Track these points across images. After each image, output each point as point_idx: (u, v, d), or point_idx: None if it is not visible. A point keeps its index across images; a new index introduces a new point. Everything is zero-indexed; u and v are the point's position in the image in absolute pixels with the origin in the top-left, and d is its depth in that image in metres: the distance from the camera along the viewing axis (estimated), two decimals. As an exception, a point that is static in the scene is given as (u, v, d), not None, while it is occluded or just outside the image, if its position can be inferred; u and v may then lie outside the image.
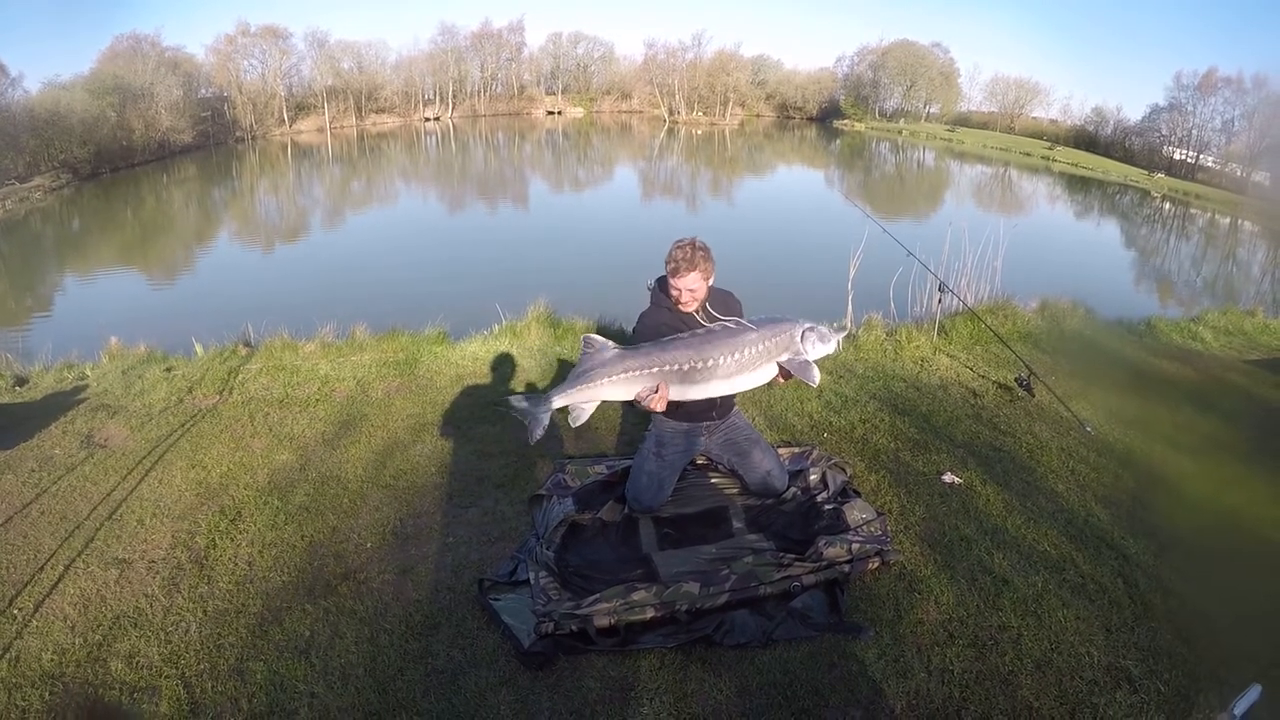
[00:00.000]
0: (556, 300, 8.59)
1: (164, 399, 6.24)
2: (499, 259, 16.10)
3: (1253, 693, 1.24)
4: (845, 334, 3.95)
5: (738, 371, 3.79)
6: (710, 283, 4.05)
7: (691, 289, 3.94)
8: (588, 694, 3.16)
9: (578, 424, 3.95)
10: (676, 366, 3.76)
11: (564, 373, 6.65)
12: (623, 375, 3.81)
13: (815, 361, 3.83)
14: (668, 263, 3.93)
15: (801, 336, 3.81)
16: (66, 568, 4.00)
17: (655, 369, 3.77)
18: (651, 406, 3.81)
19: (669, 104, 74.29)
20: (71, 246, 21.86)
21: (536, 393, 4.04)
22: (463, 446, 5.24)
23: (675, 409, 4.01)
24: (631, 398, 3.86)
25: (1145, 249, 23.86)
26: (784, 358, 3.80)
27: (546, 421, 3.89)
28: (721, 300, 4.11)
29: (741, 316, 4.09)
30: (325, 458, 5.16)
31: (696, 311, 4.05)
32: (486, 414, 5.80)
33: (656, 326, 4.04)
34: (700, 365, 3.75)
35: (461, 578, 3.85)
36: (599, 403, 3.96)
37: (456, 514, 4.45)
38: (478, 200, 29.55)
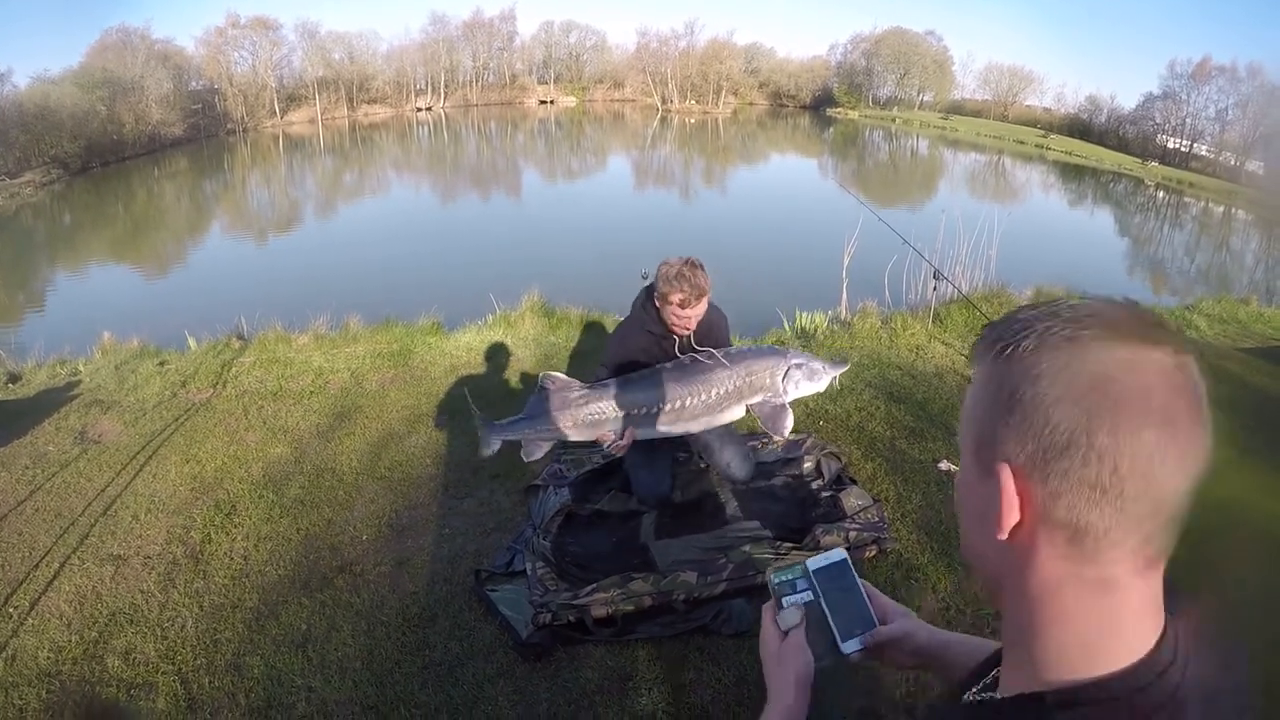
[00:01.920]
0: (550, 290, 8.57)
1: (157, 393, 6.22)
2: (492, 249, 16.05)
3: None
4: (845, 367, 3.81)
5: (705, 413, 3.70)
6: None
7: (696, 318, 3.79)
8: (586, 684, 3.16)
9: (531, 459, 3.90)
10: (643, 410, 3.68)
11: (558, 363, 6.64)
12: (586, 418, 3.73)
13: (795, 401, 3.69)
14: (670, 290, 3.67)
15: (785, 374, 3.67)
16: (62, 565, 3.99)
17: (621, 414, 3.69)
18: (616, 452, 3.75)
19: (662, 93, 74.14)
20: (63, 242, 21.75)
21: (490, 421, 3.93)
22: (458, 437, 5.23)
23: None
24: (594, 438, 3.79)
25: (1139, 237, 23.88)
26: (756, 399, 3.68)
27: (497, 446, 3.87)
28: (708, 322, 3.92)
29: (727, 339, 4.03)
30: (320, 450, 5.15)
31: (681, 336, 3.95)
32: (481, 404, 5.78)
33: (633, 351, 3.92)
34: (667, 407, 3.66)
35: (458, 569, 3.85)
36: (556, 442, 3.90)
37: (452, 505, 4.45)
38: (470, 190, 29.48)
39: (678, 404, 3.66)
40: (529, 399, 3.91)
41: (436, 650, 3.33)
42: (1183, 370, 0.69)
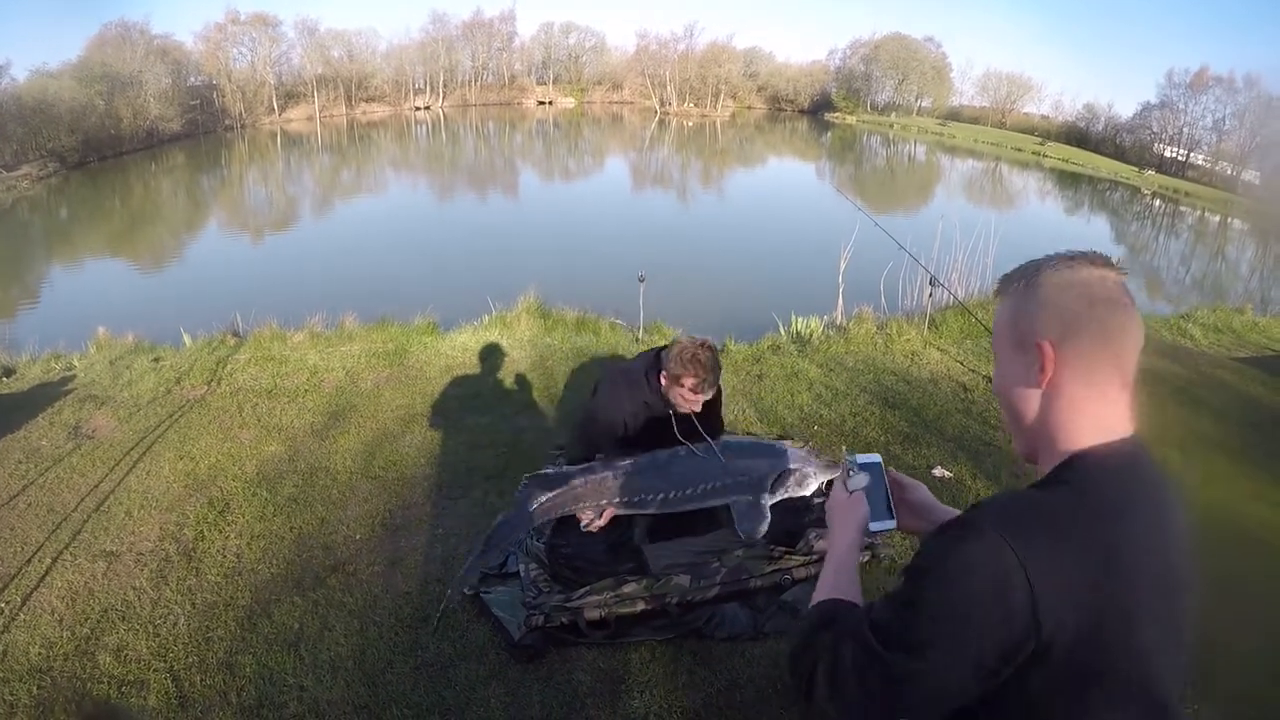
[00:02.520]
0: (546, 291, 8.57)
1: (152, 389, 6.21)
2: (488, 250, 16.04)
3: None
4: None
5: (688, 504, 3.61)
6: None
7: (704, 400, 3.72)
8: (578, 687, 3.16)
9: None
10: (626, 500, 3.60)
11: (553, 365, 6.64)
12: (567, 507, 3.65)
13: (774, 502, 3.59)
14: (685, 373, 3.55)
15: (776, 479, 3.60)
16: (54, 560, 3.98)
17: (602, 502, 3.61)
18: (593, 529, 3.66)
19: (660, 95, 74.18)
20: (59, 236, 21.69)
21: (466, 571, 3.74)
22: (452, 437, 5.23)
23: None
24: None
25: (1135, 245, 23.91)
26: (734, 498, 3.60)
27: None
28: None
29: (721, 414, 3.99)
30: (314, 449, 5.15)
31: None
32: (476, 404, 5.79)
33: (620, 421, 3.83)
34: (652, 499, 3.59)
35: (452, 570, 3.84)
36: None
37: (446, 505, 4.44)
38: (468, 190, 29.45)
39: (661, 496, 3.59)
40: (517, 500, 3.77)
41: (429, 651, 3.33)
42: (1122, 282, 1.22)
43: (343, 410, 5.72)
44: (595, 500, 3.60)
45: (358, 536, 4.16)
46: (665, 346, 3.75)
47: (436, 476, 4.77)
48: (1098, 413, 1.20)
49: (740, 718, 3.03)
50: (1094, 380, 1.19)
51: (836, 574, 1.44)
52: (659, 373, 3.65)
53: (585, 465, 3.69)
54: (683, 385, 3.59)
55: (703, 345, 3.62)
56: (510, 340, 7.29)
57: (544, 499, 3.58)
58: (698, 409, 3.71)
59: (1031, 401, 1.25)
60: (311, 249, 17.83)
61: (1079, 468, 1.17)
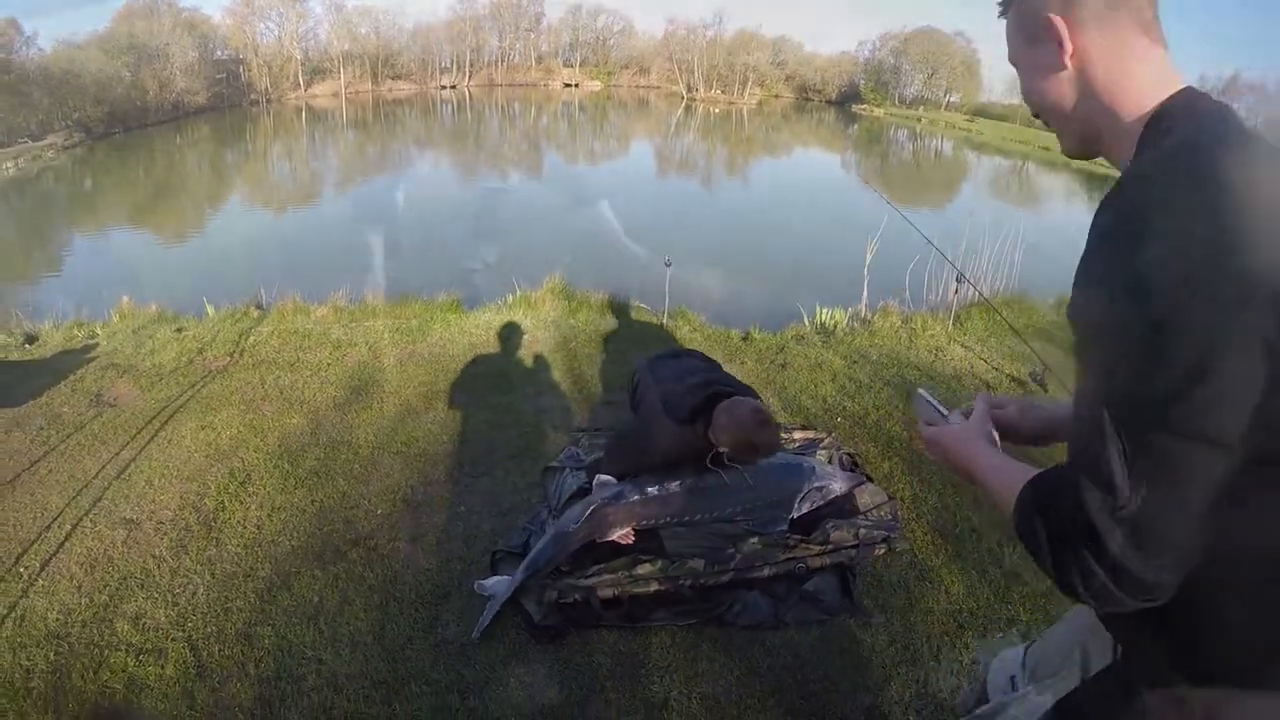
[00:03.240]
0: (571, 273, 8.52)
1: (174, 359, 6.21)
2: (514, 229, 16.00)
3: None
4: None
5: (713, 524, 3.66)
6: None
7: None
8: (598, 669, 3.12)
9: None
10: (652, 521, 3.62)
11: (577, 346, 6.59)
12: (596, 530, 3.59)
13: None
14: (739, 432, 3.37)
15: (801, 496, 3.70)
16: (74, 527, 3.97)
17: (631, 525, 3.61)
18: (623, 540, 3.62)
19: (687, 81, 73.77)
20: (83, 205, 21.80)
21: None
22: (475, 415, 5.19)
23: None
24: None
25: None
26: (760, 516, 3.68)
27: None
28: None
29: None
30: (336, 422, 5.12)
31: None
32: (499, 383, 5.75)
33: (659, 454, 3.71)
34: (678, 519, 3.62)
35: (473, 547, 3.81)
36: None
37: (468, 483, 4.40)
38: (491, 170, 29.42)
39: (689, 518, 3.62)
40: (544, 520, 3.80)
41: (449, 629, 3.30)
42: None
43: (365, 385, 5.69)
44: (625, 524, 3.57)
45: (379, 511, 4.13)
46: (714, 395, 3.57)
47: (459, 454, 4.73)
48: (1142, 70, 1.14)
49: (759, 706, 2.98)
50: (1121, 38, 1.14)
51: (1007, 473, 1.28)
52: (707, 421, 3.49)
53: (616, 491, 3.63)
54: (740, 451, 3.47)
55: (757, 415, 3.41)
56: (534, 320, 7.24)
57: (576, 528, 3.52)
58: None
59: (1066, 86, 1.20)
60: (334, 224, 17.83)
61: (1173, 114, 1.11)
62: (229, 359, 6.25)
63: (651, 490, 3.62)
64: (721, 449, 3.53)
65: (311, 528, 3.99)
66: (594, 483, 3.76)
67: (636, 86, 79.38)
